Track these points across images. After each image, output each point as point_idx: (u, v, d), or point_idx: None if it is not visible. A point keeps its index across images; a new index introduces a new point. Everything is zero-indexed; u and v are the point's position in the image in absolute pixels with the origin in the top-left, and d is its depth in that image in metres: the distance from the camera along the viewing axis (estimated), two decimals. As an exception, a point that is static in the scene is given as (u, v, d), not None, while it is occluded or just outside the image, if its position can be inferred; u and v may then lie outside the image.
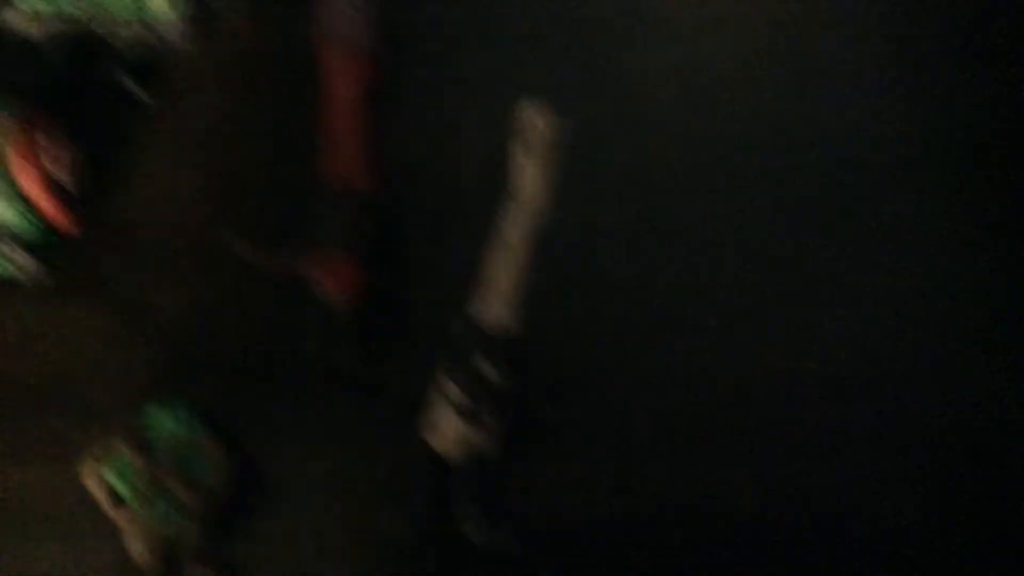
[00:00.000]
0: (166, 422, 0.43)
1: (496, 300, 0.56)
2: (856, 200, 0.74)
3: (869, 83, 0.85)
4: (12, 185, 0.53)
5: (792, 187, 0.61)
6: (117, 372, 0.47)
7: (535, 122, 0.61)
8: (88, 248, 0.52)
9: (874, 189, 0.77)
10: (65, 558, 0.41)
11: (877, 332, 0.83)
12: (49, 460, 0.44)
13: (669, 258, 0.54)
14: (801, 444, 0.57)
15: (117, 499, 0.41)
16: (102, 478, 0.42)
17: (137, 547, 0.42)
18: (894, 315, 0.83)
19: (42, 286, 0.48)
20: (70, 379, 0.46)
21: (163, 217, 0.56)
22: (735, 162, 0.61)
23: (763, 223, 0.59)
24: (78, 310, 0.50)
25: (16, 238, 0.50)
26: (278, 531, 0.41)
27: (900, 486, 0.76)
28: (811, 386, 0.75)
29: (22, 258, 0.49)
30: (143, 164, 0.60)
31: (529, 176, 0.60)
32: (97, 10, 0.71)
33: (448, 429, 0.51)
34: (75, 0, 0.71)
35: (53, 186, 0.56)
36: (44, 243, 0.51)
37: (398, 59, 0.62)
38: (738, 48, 0.70)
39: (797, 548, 0.55)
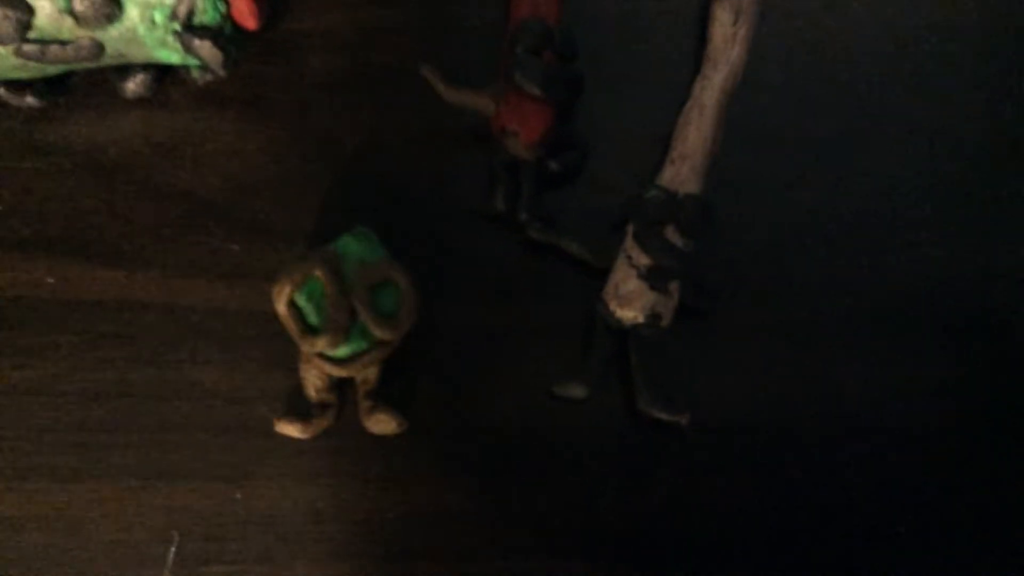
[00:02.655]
0: (357, 251, 0.61)
1: (687, 166, 0.62)
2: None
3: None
4: None
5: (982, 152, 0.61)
6: (293, 195, 0.60)
7: None
8: (258, 63, 0.69)
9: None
10: (233, 380, 0.59)
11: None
12: (222, 278, 0.55)
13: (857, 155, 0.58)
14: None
15: (306, 327, 0.67)
16: (294, 303, 0.63)
17: (312, 379, 0.63)
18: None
19: (213, 83, 0.62)
20: (242, 194, 0.57)
21: (343, 43, 0.76)
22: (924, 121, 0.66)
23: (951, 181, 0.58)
24: (246, 124, 0.63)
25: (200, 26, 0.69)
26: (444, 377, 0.51)
27: None
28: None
29: (203, 46, 0.65)
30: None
31: (730, 39, 0.63)
32: None
33: (632, 295, 0.60)
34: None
35: None
36: (226, 35, 0.67)
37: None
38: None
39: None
